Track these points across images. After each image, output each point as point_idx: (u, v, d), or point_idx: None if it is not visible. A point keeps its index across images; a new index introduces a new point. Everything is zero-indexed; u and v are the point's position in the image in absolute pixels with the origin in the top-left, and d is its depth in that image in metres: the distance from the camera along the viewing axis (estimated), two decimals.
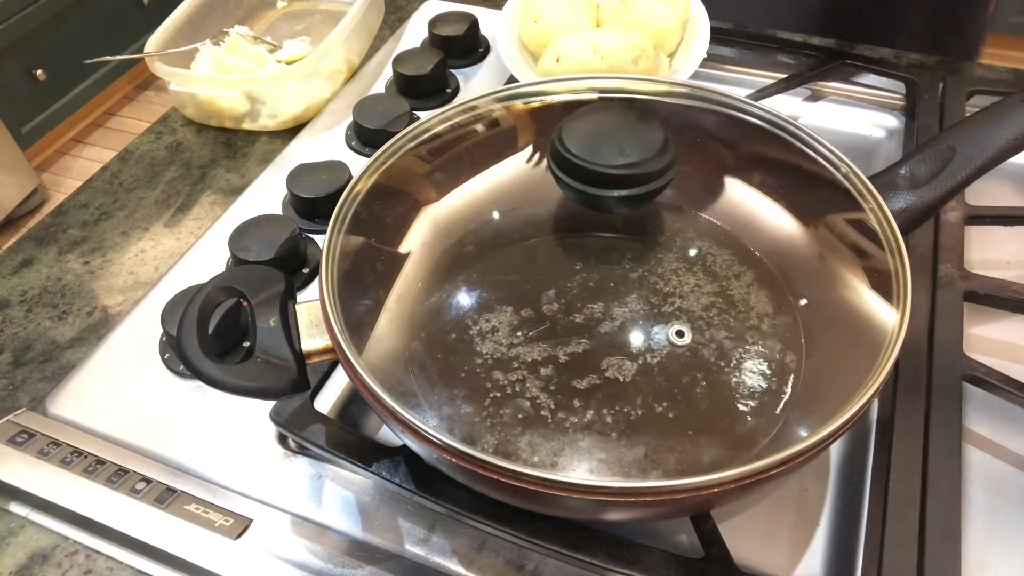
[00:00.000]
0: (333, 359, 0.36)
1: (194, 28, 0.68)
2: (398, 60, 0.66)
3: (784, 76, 0.63)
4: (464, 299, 0.46)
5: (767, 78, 0.65)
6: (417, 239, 0.48)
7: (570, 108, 0.49)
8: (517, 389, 0.42)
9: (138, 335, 0.49)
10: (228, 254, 0.52)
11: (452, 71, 0.68)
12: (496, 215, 0.51)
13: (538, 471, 0.38)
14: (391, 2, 0.79)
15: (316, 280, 0.49)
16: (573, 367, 0.42)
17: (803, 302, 0.45)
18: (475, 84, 0.67)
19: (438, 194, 0.49)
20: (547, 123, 0.50)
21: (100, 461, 0.42)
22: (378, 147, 0.61)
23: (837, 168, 0.42)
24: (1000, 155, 0.41)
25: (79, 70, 1.98)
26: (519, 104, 0.49)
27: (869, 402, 0.32)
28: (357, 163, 0.59)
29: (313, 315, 0.37)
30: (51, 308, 0.52)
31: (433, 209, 0.49)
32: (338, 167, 0.56)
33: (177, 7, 0.67)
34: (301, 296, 0.51)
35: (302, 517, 0.40)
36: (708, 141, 0.48)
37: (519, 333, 0.44)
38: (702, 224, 0.50)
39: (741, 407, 0.41)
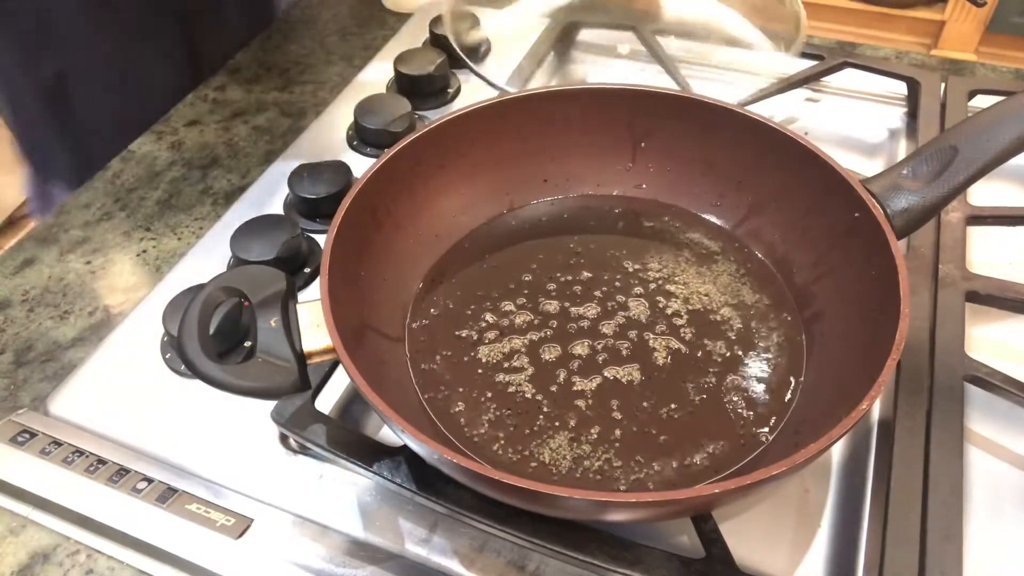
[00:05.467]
0: (334, 359, 0.36)
1: None
2: (399, 60, 0.66)
3: (785, 77, 0.63)
4: (464, 299, 0.46)
5: (768, 78, 0.64)
6: (417, 239, 0.48)
7: (572, 107, 0.49)
8: (518, 389, 0.42)
9: (139, 335, 0.49)
10: (229, 254, 0.52)
11: (454, 71, 0.68)
12: (497, 215, 0.51)
13: (538, 473, 0.38)
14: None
15: (317, 280, 0.49)
16: (574, 368, 0.42)
17: (804, 303, 0.45)
18: (477, 84, 0.67)
19: (440, 196, 0.49)
20: (550, 125, 0.50)
21: (101, 460, 0.42)
22: (379, 147, 0.61)
23: (835, 171, 0.42)
24: (1002, 155, 0.41)
25: None
26: (521, 105, 0.49)
27: (871, 403, 0.32)
28: (358, 163, 0.59)
29: (314, 315, 0.37)
30: (53, 308, 0.52)
31: (434, 209, 0.49)
32: (339, 167, 0.56)
33: None
34: (302, 296, 0.51)
35: (303, 517, 0.40)
36: (706, 147, 0.48)
37: (520, 333, 0.44)
38: (702, 226, 0.50)
39: (743, 408, 0.41)
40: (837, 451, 0.42)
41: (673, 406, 0.40)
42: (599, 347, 0.43)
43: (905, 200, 0.40)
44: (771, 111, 0.63)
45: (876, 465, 0.41)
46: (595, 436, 0.39)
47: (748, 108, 0.48)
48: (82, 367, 0.47)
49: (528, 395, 0.41)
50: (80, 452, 0.42)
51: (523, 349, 0.43)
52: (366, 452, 0.39)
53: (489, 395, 0.41)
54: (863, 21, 2.06)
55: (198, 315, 0.36)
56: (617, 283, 0.46)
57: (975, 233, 0.52)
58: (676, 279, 0.47)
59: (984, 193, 0.55)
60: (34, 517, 0.41)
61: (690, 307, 0.45)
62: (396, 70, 0.65)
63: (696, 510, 0.36)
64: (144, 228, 0.57)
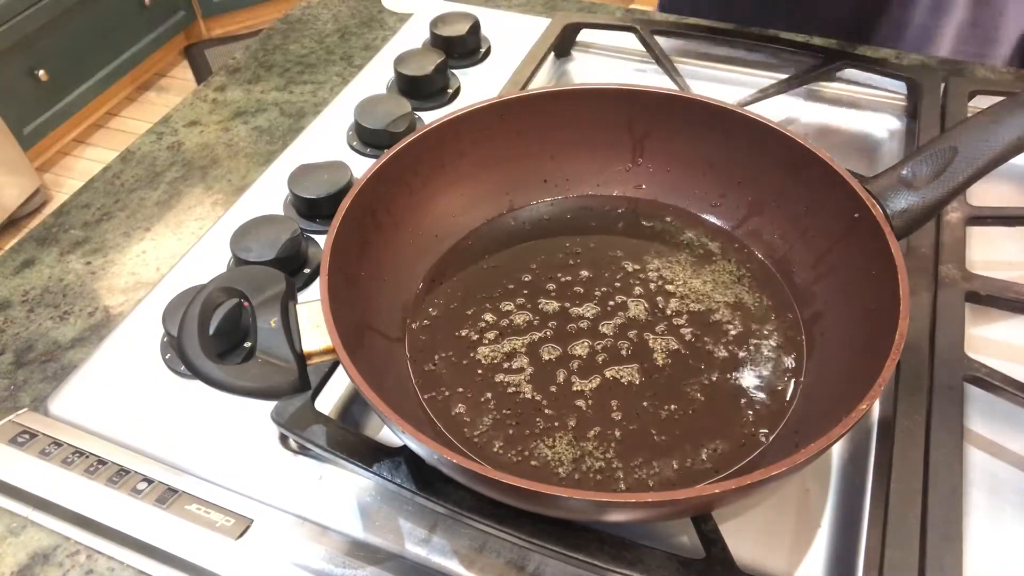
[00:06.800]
0: (334, 359, 0.36)
1: None
2: (399, 60, 0.66)
3: (785, 77, 0.63)
4: (464, 299, 0.46)
5: (768, 78, 0.65)
6: (417, 239, 0.48)
7: (572, 107, 0.49)
8: (518, 389, 0.42)
9: (139, 335, 0.49)
10: (229, 254, 0.52)
11: (453, 71, 0.68)
12: (497, 215, 0.51)
13: (538, 474, 0.38)
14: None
15: (317, 280, 0.49)
16: (574, 368, 0.42)
17: (804, 303, 0.45)
18: (476, 85, 0.67)
19: (440, 196, 0.49)
20: (550, 125, 0.50)
21: (101, 461, 0.42)
22: (379, 147, 0.61)
23: (835, 171, 0.42)
24: (1002, 156, 0.41)
25: (81, 71, 1.98)
26: (521, 105, 0.49)
27: (871, 403, 0.32)
28: (358, 163, 0.59)
29: (314, 315, 0.37)
30: (53, 308, 0.52)
31: (434, 209, 0.49)
32: (339, 167, 0.56)
33: None
34: (302, 296, 0.51)
35: (303, 517, 0.40)
36: (706, 147, 0.48)
37: (520, 333, 0.44)
38: (702, 226, 0.50)
39: (743, 408, 0.41)
40: (837, 451, 0.42)
41: (673, 406, 0.40)
42: (599, 347, 0.43)
43: (905, 200, 0.40)
44: (771, 111, 0.63)
45: (876, 465, 0.41)
46: (595, 436, 0.39)
47: (748, 108, 0.48)
48: (82, 367, 0.47)
49: (528, 395, 0.41)
50: (80, 453, 0.42)
51: (523, 349, 0.43)
52: (366, 453, 0.39)
53: (489, 395, 0.41)
54: None
55: (198, 315, 0.36)
56: (617, 283, 0.46)
57: (975, 233, 0.52)
58: (676, 279, 0.47)
59: (984, 193, 0.55)
60: (34, 518, 0.41)
61: (690, 307, 0.45)
62: (396, 70, 0.65)
63: (696, 510, 0.36)
64: (144, 228, 0.57)
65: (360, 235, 0.43)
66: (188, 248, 0.55)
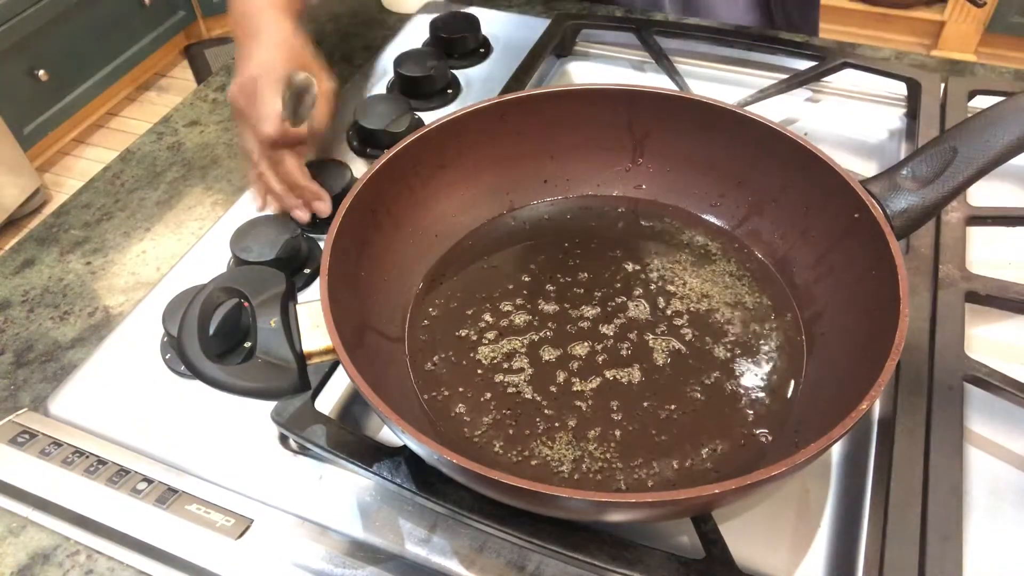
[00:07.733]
0: (334, 359, 0.36)
1: None
2: (399, 61, 0.66)
3: (785, 77, 0.63)
4: (464, 299, 0.46)
5: (768, 78, 0.65)
6: (417, 239, 0.48)
7: (572, 107, 0.49)
8: (518, 390, 0.42)
9: (139, 335, 0.49)
10: (229, 255, 0.52)
11: (453, 71, 0.68)
12: (497, 215, 0.51)
13: (538, 474, 0.38)
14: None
15: (317, 281, 0.49)
16: (574, 368, 0.42)
17: (804, 303, 0.45)
18: (476, 84, 0.67)
19: (440, 196, 0.49)
20: (550, 125, 0.50)
21: (101, 461, 0.42)
22: (379, 147, 0.61)
23: (835, 172, 0.42)
24: (1002, 156, 0.41)
25: (81, 71, 1.98)
26: (521, 105, 0.49)
27: (871, 403, 0.32)
28: (358, 163, 0.59)
29: (314, 316, 0.37)
30: (53, 308, 0.52)
31: (434, 209, 0.49)
32: (339, 167, 0.56)
33: None
34: (302, 296, 0.51)
35: (303, 517, 0.40)
36: (706, 147, 0.48)
37: (520, 333, 0.44)
38: (702, 226, 0.50)
39: (743, 408, 0.41)
40: (837, 451, 0.42)
41: (673, 406, 0.40)
42: (599, 348, 0.43)
43: (905, 201, 0.40)
44: (771, 111, 0.63)
45: (876, 465, 0.41)
46: (595, 437, 0.39)
47: (748, 108, 0.48)
48: (82, 367, 0.47)
49: (528, 396, 0.41)
50: (80, 453, 0.42)
51: (523, 350, 0.43)
52: (366, 453, 0.39)
53: (489, 396, 0.41)
54: (863, 21, 2.07)
55: (198, 315, 0.36)
56: (617, 284, 0.46)
57: (975, 233, 0.52)
58: (676, 280, 0.47)
59: (984, 193, 0.55)
60: (34, 518, 0.41)
61: (690, 308, 0.45)
62: (396, 70, 0.65)
63: (696, 510, 0.36)
64: (144, 228, 0.57)
65: (360, 235, 0.43)
66: (188, 248, 0.55)
